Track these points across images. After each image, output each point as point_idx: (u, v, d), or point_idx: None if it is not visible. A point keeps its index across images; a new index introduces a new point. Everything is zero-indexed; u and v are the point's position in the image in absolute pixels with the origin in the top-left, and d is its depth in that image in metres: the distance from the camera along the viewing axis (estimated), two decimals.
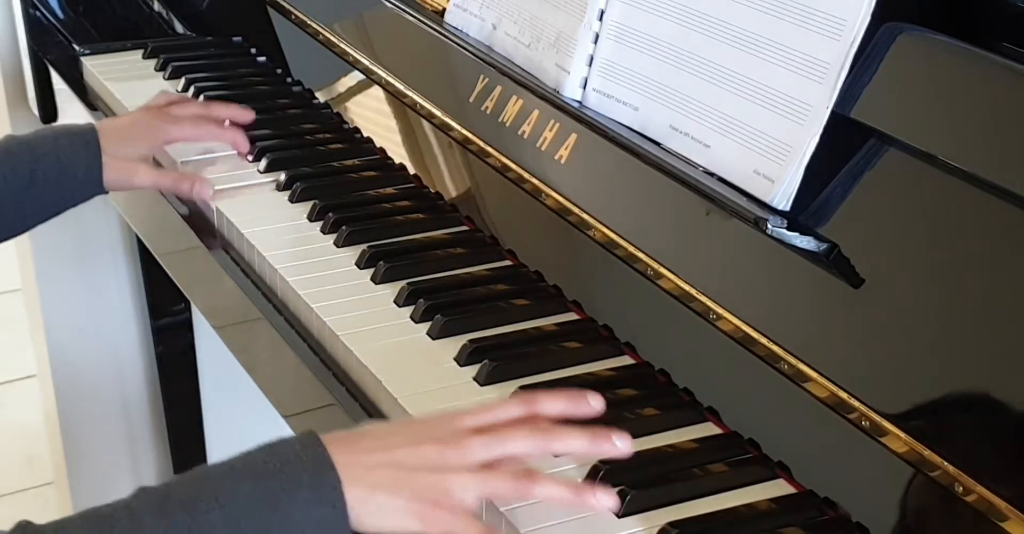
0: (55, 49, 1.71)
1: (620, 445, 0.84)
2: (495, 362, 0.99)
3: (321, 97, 1.49)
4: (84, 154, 1.24)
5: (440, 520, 0.81)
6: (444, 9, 1.30)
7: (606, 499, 0.82)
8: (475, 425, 0.85)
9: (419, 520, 0.81)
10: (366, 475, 0.81)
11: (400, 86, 1.32)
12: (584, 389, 0.88)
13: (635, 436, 0.91)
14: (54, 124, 1.30)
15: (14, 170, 1.21)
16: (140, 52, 1.63)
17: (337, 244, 1.19)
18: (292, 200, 1.27)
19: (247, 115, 1.38)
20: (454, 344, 1.02)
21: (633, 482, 0.86)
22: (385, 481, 0.81)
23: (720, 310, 0.93)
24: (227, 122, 1.37)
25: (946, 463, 0.78)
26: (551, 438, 0.84)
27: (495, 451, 0.83)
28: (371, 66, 1.38)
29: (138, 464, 2.18)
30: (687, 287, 0.96)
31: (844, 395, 0.84)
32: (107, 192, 1.26)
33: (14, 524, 0.79)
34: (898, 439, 0.81)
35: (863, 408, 0.83)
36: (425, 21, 1.30)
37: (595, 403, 0.87)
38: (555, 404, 0.86)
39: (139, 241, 1.88)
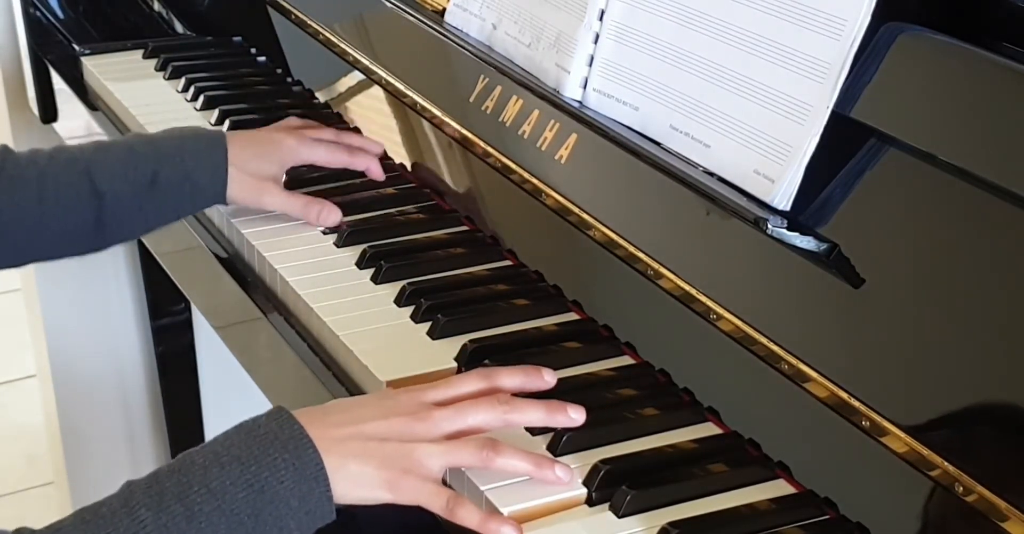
0: (55, 49, 1.71)
1: (575, 417, 0.90)
2: (496, 362, 0.99)
3: (321, 97, 1.49)
4: (210, 162, 1.19)
5: (409, 487, 0.85)
6: (444, 9, 1.30)
7: (563, 473, 0.87)
8: (439, 399, 0.90)
9: (388, 488, 0.85)
10: (337, 446, 0.84)
11: (400, 86, 1.32)
12: (540, 366, 0.94)
13: (635, 436, 0.92)
14: (184, 126, 1.25)
15: (137, 169, 1.16)
16: (140, 52, 1.63)
17: (337, 244, 1.19)
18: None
19: (376, 148, 1.33)
20: (454, 344, 1.02)
21: (633, 482, 0.86)
22: (355, 451, 0.85)
23: (720, 310, 0.93)
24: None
25: (946, 463, 0.78)
26: (510, 410, 0.89)
27: (458, 423, 0.88)
28: (371, 66, 1.38)
29: (138, 464, 2.18)
30: (687, 287, 0.96)
31: (844, 395, 0.84)
32: (228, 204, 1.22)
33: (12, 531, 0.79)
34: (898, 439, 0.81)
35: (863, 408, 0.83)
36: (425, 21, 1.30)
37: (549, 378, 0.94)
38: (512, 378, 0.93)
39: (139, 241, 1.88)
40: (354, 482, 0.84)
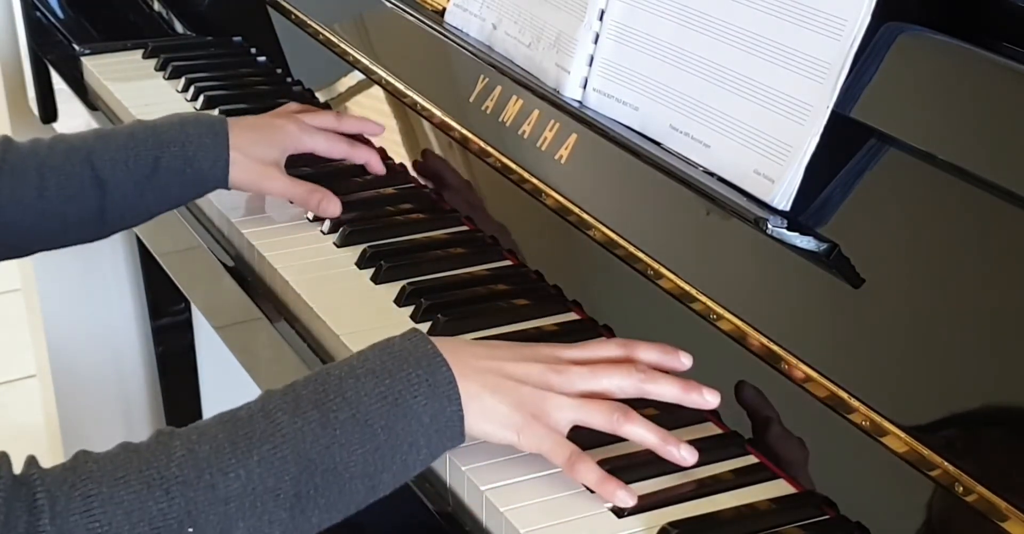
0: (55, 49, 1.71)
1: (709, 399, 0.90)
2: None
3: (321, 97, 1.49)
4: (212, 147, 1.18)
5: (535, 434, 0.86)
6: (444, 9, 1.30)
7: (688, 454, 0.87)
8: (577, 357, 0.91)
9: (515, 430, 0.86)
10: (476, 375, 0.86)
11: (400, 86, 1.32)
12: (677, 348, 0.93)
13: None
14: (184, 112, 1.24)
15: (138, 156, 1.16)
16: (140, 52, 1.63)
17: (337, 244, 1.19)
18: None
19: (376, 129, 1.33)
20: None
21: (632, 482, 0.86)
22: (493, 385, 0.86)
23: (720, 310, 0.93)
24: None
25: (946, 463, 0.78)
26: (647, 380, 0.90)
27: (592, 383, 0.88)
28: (371, 66, 1.38)
29: None
30: (687, 287, 0.96)
31: (844, 395, 0.84)
32: (229, 189, 1.22)
33: (155, 431, 0.83)
34: (898, 439, 0.81)
35: (863, 408, 0.83)
36: (425, 21, 1.30)
37: (685, 360, 0.93)
38: (650, 352, 0.92)
39: (139, 241, 1.88)
40: (486, 415, 0.85)
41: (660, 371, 0.91)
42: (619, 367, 0.90)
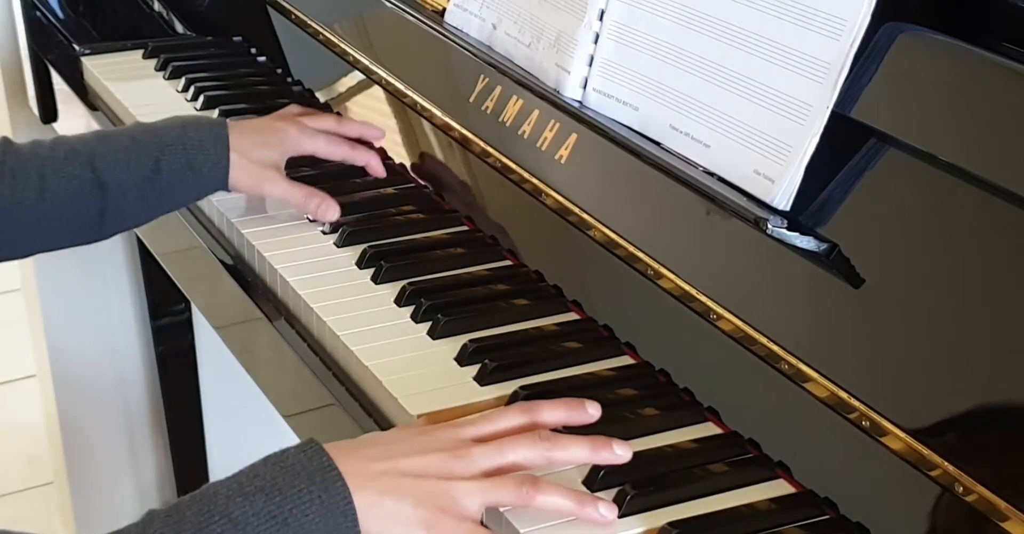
0: (55, 49, 1.71)
1: (620, 453, 0.87)
2: (495, 362, 0.99)
3: (321, 97, 1.49)
4: (212, 149, 1.18)
5: (446, 528, 0.81)
6: (444, 9, 1.30)
7: (607, 511, 0.83)
8: (477, 435, 0.87)
9: (425, 527, 0.81)
10: (372, 482, 0.81)
11: (400, 86, 1.32)
12: (582, 398, 0.90)
13: (635, 436, 0.92)
14: (185, 115, 1.25)
15: (139, 159, 1.16)
16: (140, 52, 1.63)
17: (337, 244, 1.19)
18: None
19: (377, 133, 1.33)
20: (454, 344, 1.02)
21: (633, 482, 0.86)
22: (391, 488, 0.81)
23: (720, 310, 0.93)
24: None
25: (946, 463, 0.78)
26: (552, 447, 0.86)
27: (497, 460, 0.85)
28: (371, 66, 1.38)
29: (138, 464, 2.19)
30: (687, 287, 0.96)
31: (844, 395, 0.84)
32: (229, 191, 1.21)
33: None
34: (898, 439, 0.81)
35: (863, 408, 0.83)
36: (425, 21, 1.30)
37: (592, 411, 0.90)
38: (555, 412, 0.89)
39: (139, 241, 1.88)
40: (390, 520, 0.81)
41: (569, 431, 0.89)
42: (522, 439, 0.86)
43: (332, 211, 1.21)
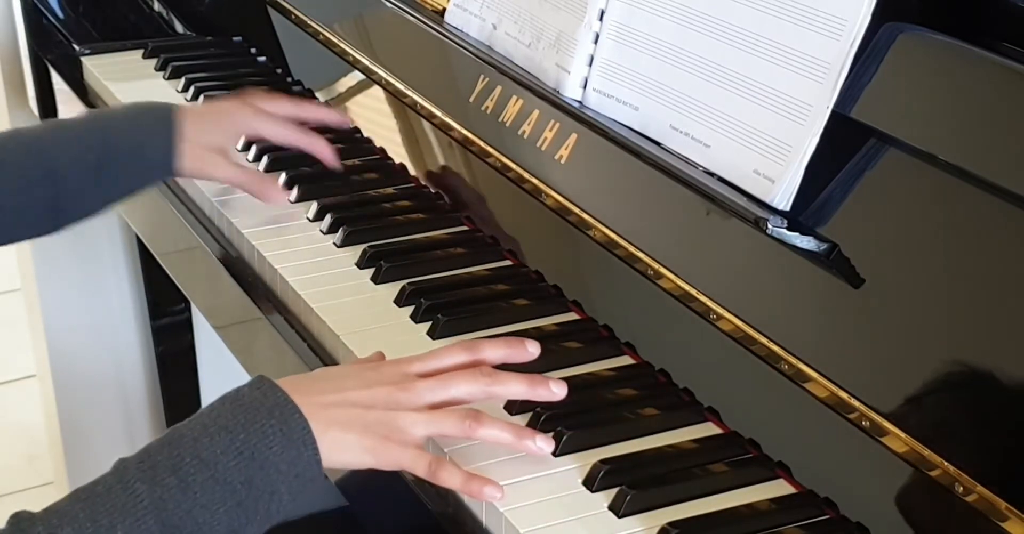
0: (55, 49, 1.71)
1: (556, 391, 0.91)
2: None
3: (321, 97, 1.49)
4: (160, 136, 1.19)
5: (390, 453, 0.86)
6: (444, 9, 1.30)
7: (544, 444, 0.88)
8: (423, 370, 0.91)
9: (371, 454, 0.86)
10: (321, 412, 0.85)
11: (400, 86, 1.32)
12: (523, 337, 0.95)
13: (635, 436, 0.92)
14: (136, 102, 1.25)
15: (90, 148, 1.16)
16: (140, 52, 1.63)
17: (337, 244, 1.19)
18: (293, 201, 1.27)
19: (342, 121, 1.33)
20: None
21: (633, 482, 0.86)
22: (339, 418, 0.86)
23: (720, 310, 0.93)
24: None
25: (946, 463, 0.78)
26: (493, 382, 0.90)
27: (441, 394, 0.89)
28: (371, 66, 1.38)
29: None
30: (687, 287, 0.96)
31: (844, 395, 0.84)
32: (176, 177, 1.22)
33: (8, 517, 0.80)
34: (898, 439, 0.81)
35: (863, 408, 0.83)
36: (425, 21, 1.30)
37: (532, 349, 0.94)
38: (496, 351, 0.93)
39: (139, 241, 1.88)
40: (338, 447, 0.85)
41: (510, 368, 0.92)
42: (464, 374, 0.90)
43: (278, 193, 1.23)
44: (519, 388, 0.91)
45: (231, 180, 1.23)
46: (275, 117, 1.27)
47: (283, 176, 1.29)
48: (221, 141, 1.24)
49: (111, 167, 1.17)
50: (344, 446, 0.85)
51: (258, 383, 0.86)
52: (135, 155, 1.18)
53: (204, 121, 1.23)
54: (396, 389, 0.88)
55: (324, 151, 1.28)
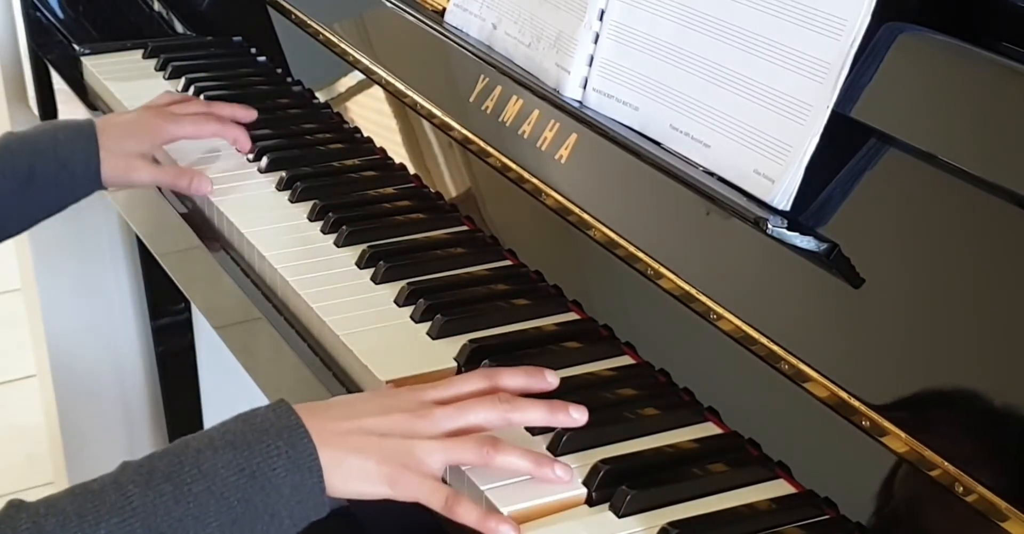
0: (55, 49, 1.71)
1: (576, 416, 0.90)
2: (495, 362, 0.99)
3: (321, 97, 1.49)
4: (83, 150, 1.23)
5: (408, 483, 0.85)
6: (444, 9, 1.30)
7: (563, 472, 0.87)
8: (440, 397, 0.90)
9: (388, 483, 0.85)
10: (337, 440, 0.85)
11: (400, 86, 1.32)
12: (542, 367, 0.94)
13: (635, 436, 0.92)
14: (55, 120, 1.29)
15: (13, 167, 1.20)
16: (140, 52, 1.63)
17: (337, 244, 1.19)
18: (292, 200, 1.27)
19: (249, 114, 1.38)
20: (454, 344, 1.02)
21: (633, 482, 0.86)
22: (356, 445, 0.85)
23: (720, 310, 0.93)
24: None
25: (946, 463, 0.78)
26: (512, 409, 0.89)
27: (459, 421, 0.88)
28: (371, 66, 1.38)
29: None
30: (687, 287, 0.96)
31: (844, 395, 0.84)
32: (106, 188, 1.26)
33: (6, 503, 0.81)
34: (898, 439, 0.81)
35: (863, 408, 0.83)
36: (425, 21, 1.30)
37: (551, 379, 0.93)
38: (515, 378, 0.92)
39: (139, 241, 1.88)
40: (354, 476, 0.84)
41: (528, 396, 0.91)
42: (483, 401, 0.89)
43: (206, 184, 1.26)
44: (538, 415, 0.90)
45: (157, 180, 1.28)
46: (187, 117, 1.32)
47: (282, 175, 1.30)
48: (143, 149, 1.29)
49: (36, 185, 1.21)
50: (361, 475, 0.85)
51: (276, 405, 0.86)
52: (61, 170, 1.22)
53: (120, 131, 1.27)
54: (413, 416, 0.87)
55: (241, 138, 1.34)
